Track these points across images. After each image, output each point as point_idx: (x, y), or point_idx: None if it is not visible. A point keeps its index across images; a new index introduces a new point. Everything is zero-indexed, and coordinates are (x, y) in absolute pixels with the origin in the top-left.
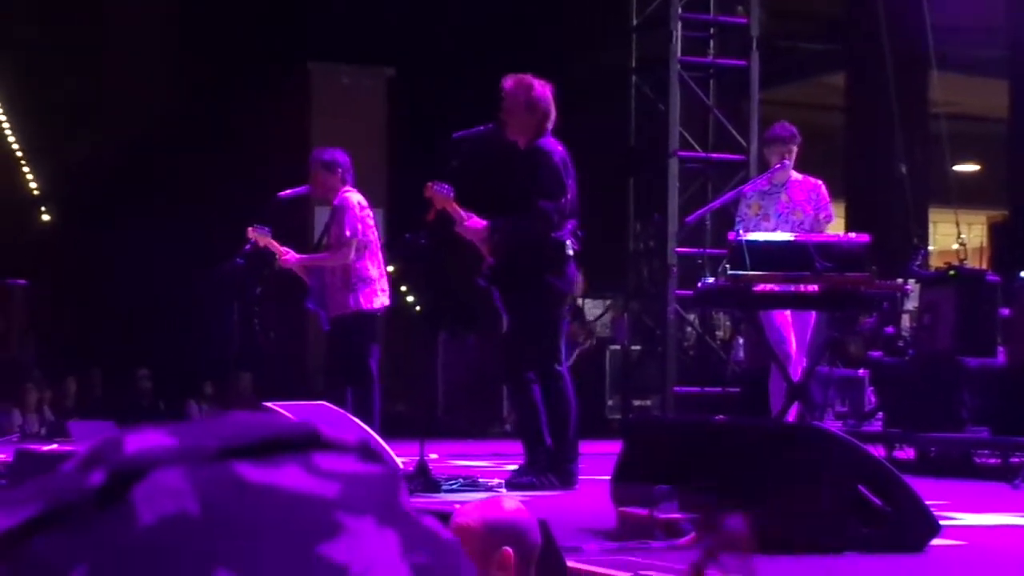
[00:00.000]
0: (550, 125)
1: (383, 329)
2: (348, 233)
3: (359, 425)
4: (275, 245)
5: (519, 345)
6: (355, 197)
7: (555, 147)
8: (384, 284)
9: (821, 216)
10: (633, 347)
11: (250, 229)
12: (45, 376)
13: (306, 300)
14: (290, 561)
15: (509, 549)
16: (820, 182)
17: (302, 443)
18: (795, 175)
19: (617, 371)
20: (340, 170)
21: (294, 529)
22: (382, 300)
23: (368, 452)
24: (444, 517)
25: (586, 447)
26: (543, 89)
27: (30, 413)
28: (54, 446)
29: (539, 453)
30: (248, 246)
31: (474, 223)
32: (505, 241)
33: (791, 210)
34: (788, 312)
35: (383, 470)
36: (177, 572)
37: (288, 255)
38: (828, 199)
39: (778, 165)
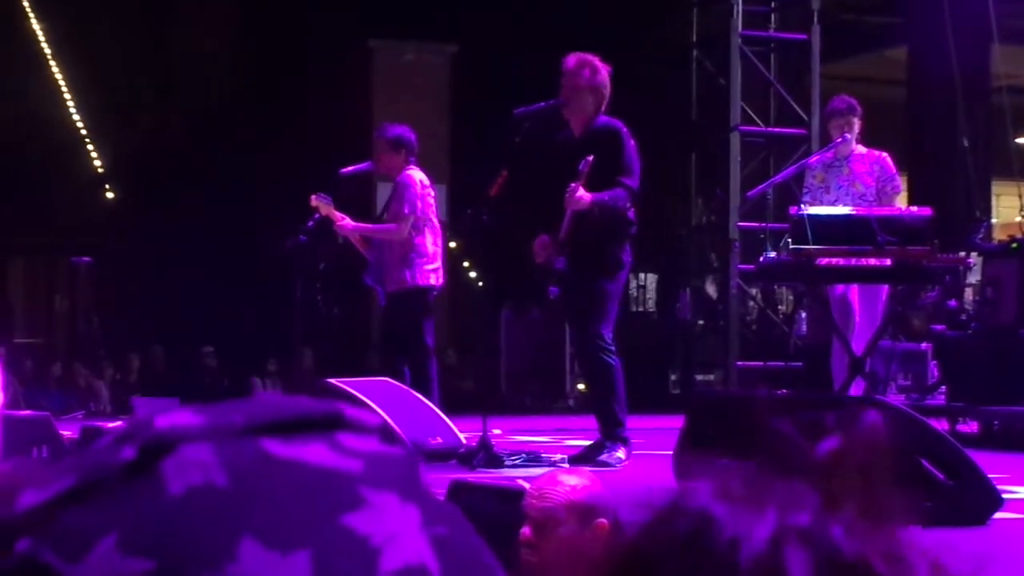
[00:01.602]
0: (605, 106)
1: (447, 305)
2: (407, 210)
3: (421, 400)
4: (334, 213)
5: (595, 314)
6: (417, 175)
7: (624, 128)
8: (440, 262)
9: (888, 188)
10: (695, 321)
11: (313, 197)
12: (110, 353)
13: (364, 275)
14: (314, 530)
15: (604, 520)
16: (885, 154)
17: (327, 423)
18: (859, 148)
19: (679, 345)
20: (404, 149)
21: (319, 501)
22: (437, 277)
23: (389, 435)
24: (510, 495)
25: (649, 421)
26: (604, 70)
27: (83, 390)
28: (119, 423)
29: (612, 424)
30: (311, 223)
31: (584, 195)
32: (601, 216)
33: (851, 183)
34: (856, 286)
35: (403, 451)
36: (204, 540)
37: (344, 221)
38: (894, 170)
39: (839, 139)
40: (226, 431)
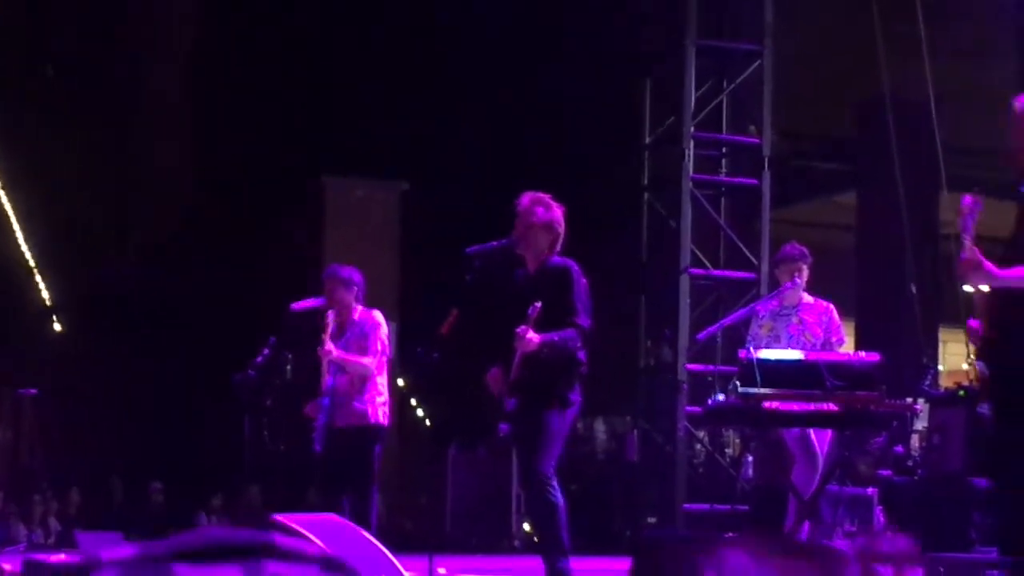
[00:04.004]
0: (559, 245)
1: (393, 442)
2: (379, 346)
3: (368, 538)
4: (326, 343)
5: (540, 451)
6: (381, 317)
7: (575, 267)
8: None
9: (833, 339)
10: (642, 464)
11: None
12: (53, 487)
13: (309, 406)
14: None
15: None
16: (831, 305)
17: (254, 551)
18: (807, 297)
19: (626, 488)
20: (355, 288)
21: None
22: (387, 415)
23: (331, 564)
24: None
25: (595, 564)
26: (558, 209)
27: (36, 524)
28: (62, 556)
29: (556, 563)
30: (260, 358)
31: (533, 337)
32: (551, 355)
33: (802, 331)
34: (812, 431)
35: None
36: None
37: (329, 347)
38: (839, 323)
39: (789, 284)
40: (145, 559)
